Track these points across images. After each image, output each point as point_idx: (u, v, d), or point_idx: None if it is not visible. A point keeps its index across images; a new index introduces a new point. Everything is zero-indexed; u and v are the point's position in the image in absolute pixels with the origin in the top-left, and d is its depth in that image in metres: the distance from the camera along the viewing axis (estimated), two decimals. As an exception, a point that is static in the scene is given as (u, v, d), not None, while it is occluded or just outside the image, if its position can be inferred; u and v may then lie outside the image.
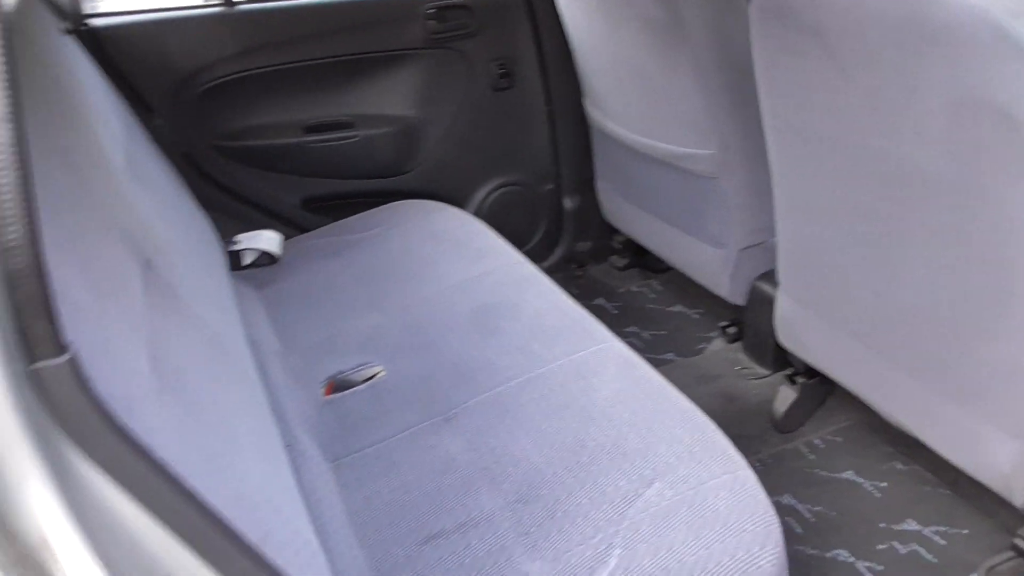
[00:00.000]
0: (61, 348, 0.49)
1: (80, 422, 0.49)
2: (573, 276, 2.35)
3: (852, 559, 1.43)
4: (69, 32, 1.55)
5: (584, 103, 2.10)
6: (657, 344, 2.04)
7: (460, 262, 1.66)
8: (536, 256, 2.30)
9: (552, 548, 1.00)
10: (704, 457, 1.08)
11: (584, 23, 1.85)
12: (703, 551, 0.96)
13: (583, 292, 2.29)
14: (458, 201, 2.12)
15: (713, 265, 1.79)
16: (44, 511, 0.46)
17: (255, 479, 0.87)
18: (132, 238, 1.03)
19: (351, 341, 1.49)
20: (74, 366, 0.50)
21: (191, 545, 0.58)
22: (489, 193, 2.17)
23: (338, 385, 1.39)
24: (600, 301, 2.25)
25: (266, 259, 1.85)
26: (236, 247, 1.83)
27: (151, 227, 1.16)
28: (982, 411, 1.20)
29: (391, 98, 2.02)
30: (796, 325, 1.55)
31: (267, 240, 1.84)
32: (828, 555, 1.44)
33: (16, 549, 0.45)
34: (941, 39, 0.98)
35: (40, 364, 0.48)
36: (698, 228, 1.80)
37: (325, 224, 1.95)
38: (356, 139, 2.01)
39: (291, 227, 1.98)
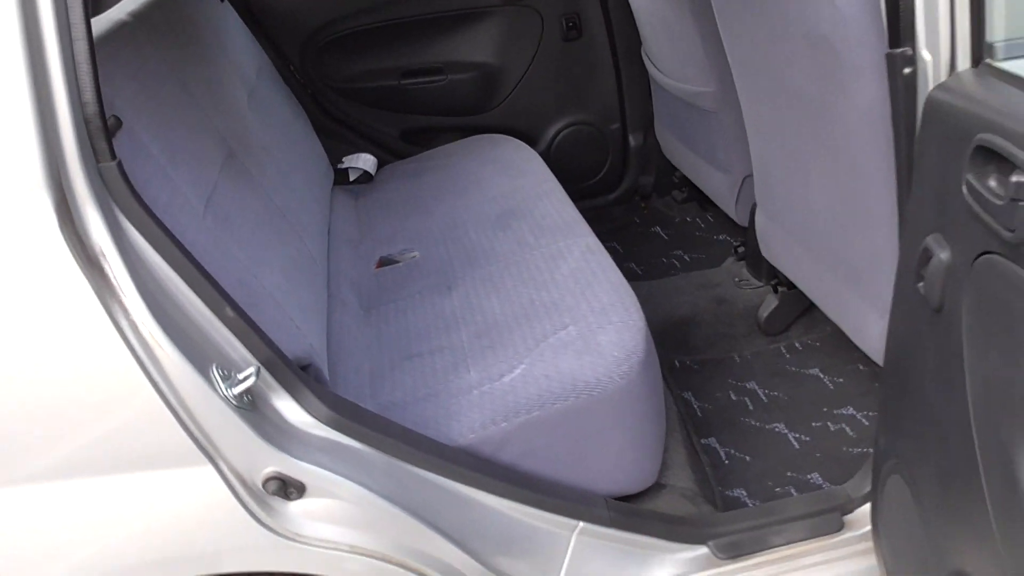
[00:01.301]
0: (113, 156, 0.95)
1: (123, 200, 0.96)
2: (638, 207, 2.67)
3: (786, 431, 1.70)
4: (220, -3, 2.10)
5: (641, 52, 2.40)
6: (692, 264, 2.34)
7: (503, 181, 2.06)
8: (604, 188, 2.65)
9: (485, 364, 1.40)
10: (611, 314, 1.43)
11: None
12: (579, 368, 1.32)
13: (644, 221, 2.61)
14: (532, 137, 2.51)
15: (723, 190, 2.07)
16: (100, 234, 0.92)
17: (275, 295, 1.33)
18: (222, 136, 1.53)
19: (405, 235, 1.95)
20: (121, 169, 0.96)
21: (195, 291, 1.04)
22: (560, 131, 2.54)
23: (384, 262, 1.86)
24: (656, 229, 2.56)
25: (365, 177, 2.35)
26: (343, 166, 2.35)
27: (246, 134, 1.67)
28: (863, 293, 1.45)
29: (474, 48, 2.43)
30: (767, 235, 1.82)
31: (365, 161, 2.35)
32: (767, 427, 1.72)
33: (87, 252, 0.92)
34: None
35: (101, 164, 0.95)
36: (712, 158, 2.08)
37: (417, 153, 2.42)
38: (444, 82, 2.45)
39: (389, 154, 2.47)
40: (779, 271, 1.87)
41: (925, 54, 1.02)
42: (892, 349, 1.18)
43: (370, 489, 1.10)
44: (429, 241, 1.89)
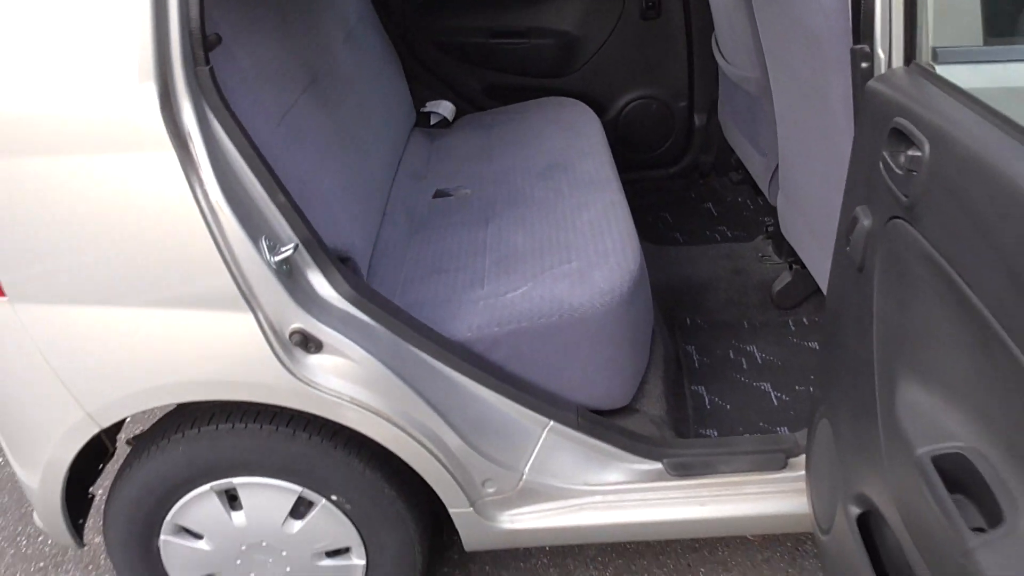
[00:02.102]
0: (207, 63, 1.23)
1: (210, 98, 1.24)
2: (696, 183, 2.83)
3: (770, 390, 1.87)
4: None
5: (712, 37, 2.55)
6: (732, 239, 2.49)
7: (559, 139, 2.28)
8: (666, 162, 2.82)
9: (496, 284, 1.64)
10: (611, 257, 1.64)
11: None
12: (569, 293, 1.54)
13: (698, 196, 2.77)
14: (602, 105, 2.70)
15: (760, 170, 2.22)
16: (190, 120, 1.21)
17: (328, 199, 1.61)
18: (310, 66, 1.81)
19: (463, 175, 2.20)
20: (212, 74, 1.24)
21: (256, 177, 1.31)
22: (629, 102, 2.72)
23: (439, 194, 2.12)
24: (709, 205, 2.72)
25: (443, 122, 2.61)
26: (425, 110, 2.62)
27: (334, 67, 1.95)
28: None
29: (557, 17, 2.64)
30: (785, 216, 1.97)
31: (445, 108, 2.61)
32: (754, 384, 1.89)
33: (178, 132, 1.21)
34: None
35: (198, 68, 1.23)
36: (755, 141, 2.23)
37: (494, 107, 2.66)
38: (528, 45, 2.67)
39: (472, 105, 2.72)
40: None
41: (880, 51, 1.18)
42: (829, 308, 1.35)
43: (375, 357, 1.37)
44: (482, 182, 2.13)
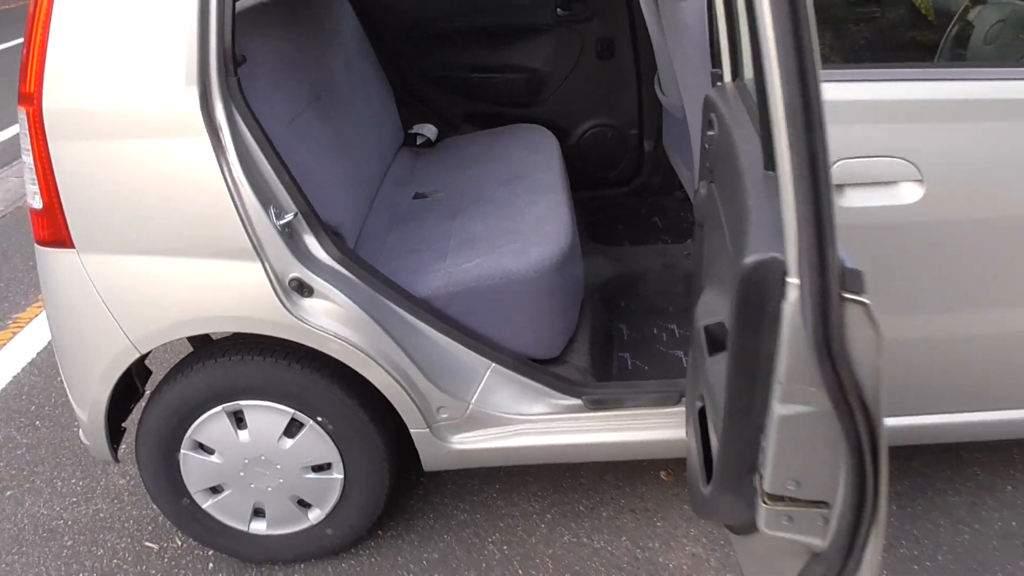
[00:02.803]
0: (235, 74, 1.66)
1: (236, 100, 1.66)
2: (646, 200, 3.26)
3: (683, 357, 2.26)
4: (342, -8, 2.86)
5: (655, 76, 3.00)
6: (668, 242, 2.91)
7: (522, 156, 2.71)
8: (620, 182, 3.26)
9: (456, 259, 2.06)
10: (547, 240, 2.06)
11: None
12: (510, 264, 1.96)
13: (647, 211, 3.19)
14: (564, 131, 3.15)
15: (688, 183, 2.65)
16: (220, 115, 1.63)
17: (323, 186, 2.04)
18: (314, 85, 2.26)
19: (440, 182, 2.64)
20: (238, 83, 1.67)
21: (267, 159, 1.73)
22: (588, 129, 3.17)
23: (418, 195, 2.55)
24: (656, 219, 3.15)
25: (427, 143, 3.06)
26: (412, 131, 3.07)
27: (333, 88, 2.40)
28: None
29: (527, 56, 3.10)
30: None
31: (429, 131, 3.06)
32: (671, 352, 2.28)
33: (212, 123, 1.63)
34: None
35: (228, 78, 1.66)
36: (685, 158, 2.66)
37: (472, 131, 3.11)
38: (502, 79, 3.13)
39: (452, 129, 3.16)
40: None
41: (726, 73, 1.62)
42: (694, 262, 1.77)
43: (355, 302, 1.77)
44: (454, 187, 2.56)
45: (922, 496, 2.10)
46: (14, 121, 6.51)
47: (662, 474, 2.26)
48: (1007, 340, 1.77)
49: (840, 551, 1.11)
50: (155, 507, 2.29)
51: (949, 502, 2.07)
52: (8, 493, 2.44)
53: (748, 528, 1.28)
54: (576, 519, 2.15)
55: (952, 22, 2.15)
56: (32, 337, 3.33)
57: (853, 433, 1.01)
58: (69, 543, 2.23)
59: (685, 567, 1.97)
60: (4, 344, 3.29)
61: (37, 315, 3.51)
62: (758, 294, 1.05)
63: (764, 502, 1.13)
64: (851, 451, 1.01)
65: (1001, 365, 1.80)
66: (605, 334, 2.31)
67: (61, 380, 2.84)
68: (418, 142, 3.06)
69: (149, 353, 1.87)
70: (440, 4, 3.08)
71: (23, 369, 3.10)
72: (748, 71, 1.55)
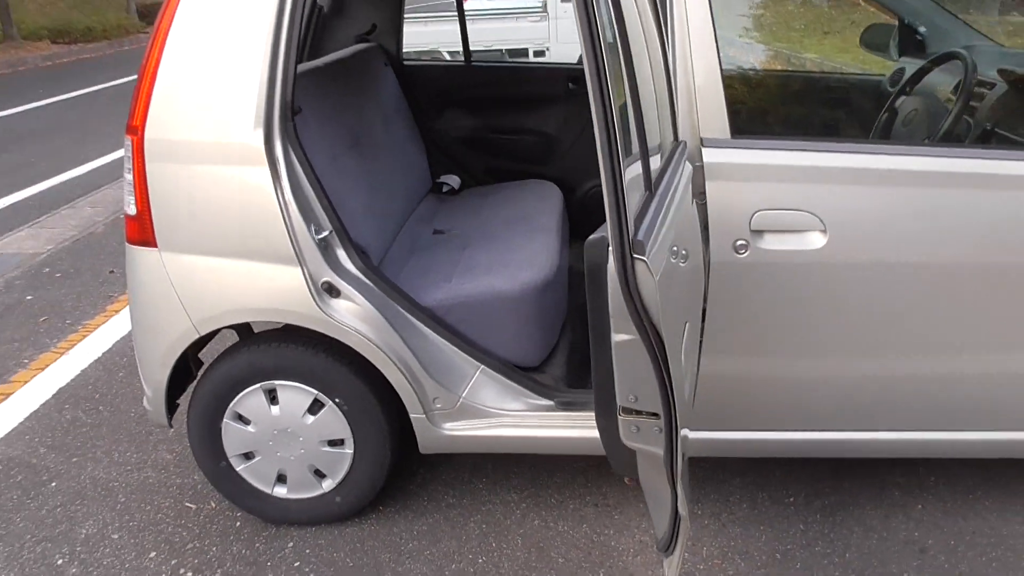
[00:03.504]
0: (292, 120, 2.14)
1: (291, 141, 2.13)
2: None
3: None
4: (386, 65, 3.39)
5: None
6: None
7: (529, 204, 3.17)
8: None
9: (459, 280, 2.49)
10: (537, 268, 2.49)
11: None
12: (501, 284, 2.38)
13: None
14: (571, 187, 3.60)
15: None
16: (279, 151, 2.10)
17: (354, 214, 2.50)
18: (354, 132, 2.75)
19: (457, 222, 3.10)
20: (294, 126, 2.13)
21: (312, 188, 2.20)
22: (591, 186, 3.62)
23: (436, 231, 3.01)
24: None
25: (452, 191, 3.54)
26: (439, 180, 3.55)
27: (371, 137, 2.89)
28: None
29: (541, 121, 3.59)
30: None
31: (453, 180, 3.54)
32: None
33: (272, 157, 2.10)
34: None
35: (286, 123, 2.13)
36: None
37: (491, 183, 3.59)
38: (518, 140, 3.61)
39: (473, 180, 3.64)
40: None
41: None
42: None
43: (372, 305, 2.21)
44: (468, 227, 3.02)
45: (843, 509, 2.43)
46: (118, 146, 7.79)
47: (626, 479, 2.62)
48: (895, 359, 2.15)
49: (667, 454, 1.56)
50: (194, 477, 2.73)
51: (866, 514, 2.40)
52: (74, 459, 2.88)
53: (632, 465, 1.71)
54: (547, 509, 2.52)
55: (883, 108, 2.58)
56: (99, 340, 3.83)
57: (650, 347, 1.49)
58: (122, 500, 2.66)
59: (632, 550, 2.32)
60: (75, 344, 3.80)
61: (103, 323, 4.03)
62: (597, 261, 1.55)
63: (619, 415, 1.58)
64: (652, 361, 1.49)
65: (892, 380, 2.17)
66: (583, 354, 2.71)
67: (121, 375, 3.34)
68: (443, 190, 3.54)
69: (205, 342, 2.33)
70: (468, 76, 3.61)
71: (90, 364, 3.59)
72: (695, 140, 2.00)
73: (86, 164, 7.43)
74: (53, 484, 2.75)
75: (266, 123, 2.10)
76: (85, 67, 14.96)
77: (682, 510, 1.63)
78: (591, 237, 1.57)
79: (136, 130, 2.15)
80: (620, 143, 1.49)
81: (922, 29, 3.01)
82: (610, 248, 1.47)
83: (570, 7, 8.73)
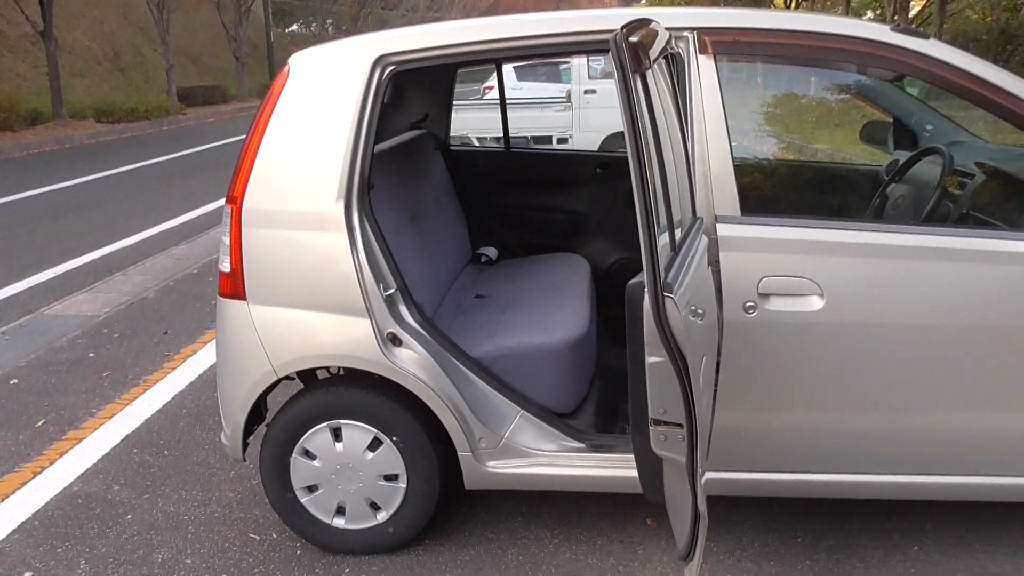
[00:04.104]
0: (367, 195, 2.52)
1: (366, 211, 2.51)
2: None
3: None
4: (436, 150, 3.82)
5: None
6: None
7: (561, 274, 3.53)
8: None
9: (501, 336, 2.83)
10: (568, 328, 2.82)
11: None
12: (539, 340, 2.72)
13: (661, 329, 3.93)
14: (598, 260, 3.96)
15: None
16: (356, 220, 2.47)
17: (413, 277, 2.87)
18: (413, 210, 3.15)
19: (497, 289, 3.45)
20: (369, 200, 2.52)
21: (382, 253, 2.57)
22: (617, 260, 3.98)
23: (478, 296, 3.36)
24: (667, 335, 3.88)
25: (490, 262, 3.91)
26: (478, 252, 3.93)
27: (424, 213, 3.28)
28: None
29: (571, 200, 3.98)
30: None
31: (491, 252, 3.92)
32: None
33: (363, 226, 2.47)
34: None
35: (362, 197, 2.52)
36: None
37: (525, 255, 3.96)
38: (550, 217, 4.00)
39: (509, 253, 4.02)
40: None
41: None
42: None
43: (429, 354, 2.54)
44: (506, 292, 3.37)
45: (847, 548, 2.69)
46: (162, 219, 8.64)
47: (648, 520, 2.89)
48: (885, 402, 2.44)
49: (688, 460, 1.87)
50: (256, 512, 3.02)
51: (868, 554, 2.66)
52: (145, 496, 3.19)
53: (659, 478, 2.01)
54: (576, 544, 2.78)
55: (876, 194, 2.95)
56: (159, 393, 4.17)
57: (677, 367, 1.81)
58: (192, 530, 2.94)
59: (655, 580, 2.58)
60: (137, 396, 4.14)
61: (162, 378, 4.37)
62: (635, 299, 1.88)
63: (650, 425, 1.89)
64: (678, 379, 1.81)
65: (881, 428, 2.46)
66: (610, 405, 3.02)
67: (182, 424, 3.68)
68: (482, 260, 3.92)
69: (274, 387, 2.67)
70: (507, 161, 4.03)
71: (153, 415, 3.92)
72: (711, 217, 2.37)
73: (133, 236, 7.92)
74: (128, 516, 3.05)
75: (346, 196, 2.48)
76: (128, 145, 15.77)
77: (701, 507, 1.93)
78: (631, 281, 1.93)
79: (235, 200, 2.54)
80: (655, 206, 1.84)
81: (914, 125, 3.41)
82: (645, 289, 1.81)
83: (592, 99, 9.34)
